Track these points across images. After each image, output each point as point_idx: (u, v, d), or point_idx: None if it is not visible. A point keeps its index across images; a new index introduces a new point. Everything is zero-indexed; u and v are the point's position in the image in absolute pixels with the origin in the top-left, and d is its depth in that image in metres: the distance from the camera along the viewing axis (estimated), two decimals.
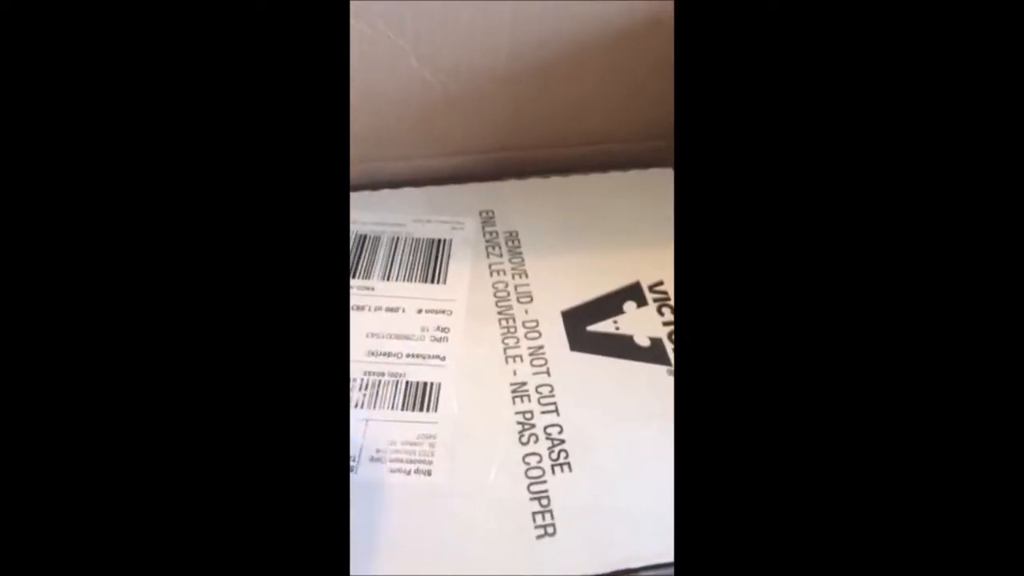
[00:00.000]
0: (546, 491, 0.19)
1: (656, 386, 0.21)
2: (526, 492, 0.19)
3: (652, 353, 0.22)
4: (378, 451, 0.19)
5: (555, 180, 0.28)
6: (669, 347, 0.22)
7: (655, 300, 0.24)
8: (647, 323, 0.23)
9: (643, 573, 0.18)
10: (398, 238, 0.25)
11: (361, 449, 0.19)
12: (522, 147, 0.28)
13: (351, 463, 0.19)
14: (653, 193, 0.28)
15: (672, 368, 0.22)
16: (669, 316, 0.23)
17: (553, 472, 0.19)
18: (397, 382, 0.21)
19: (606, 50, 0.25)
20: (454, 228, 0.26)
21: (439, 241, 0.25)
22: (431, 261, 0.25)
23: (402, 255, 0.25)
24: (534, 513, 0.18)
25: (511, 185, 0.28)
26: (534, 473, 0.19)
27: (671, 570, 0.18)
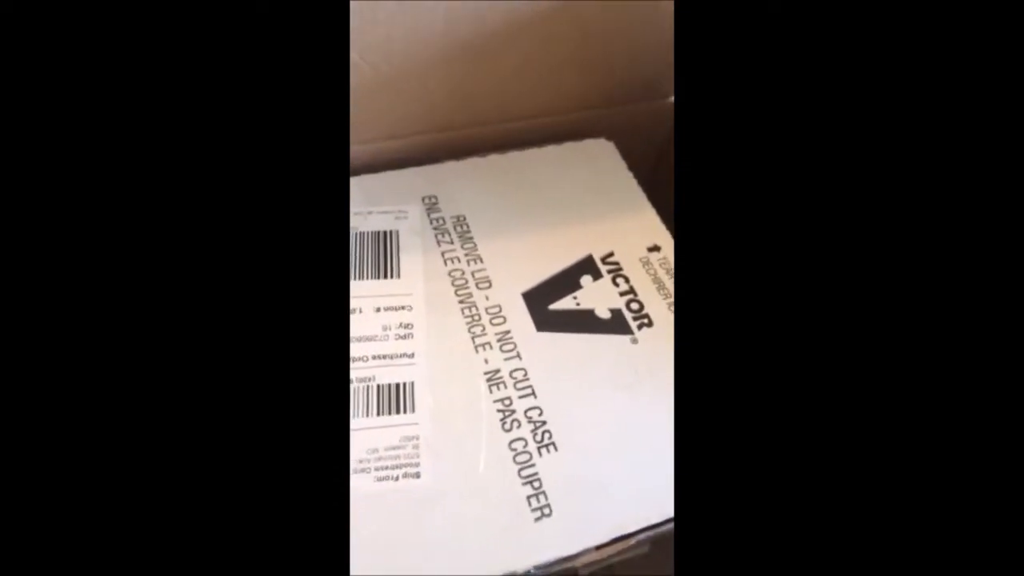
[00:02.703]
0: (536, 474, 0.19)
1: (623, 356, 0.22)
2: (517, 478, 0.19)
3: (614, 324, 0.23)
4: (361, 461, 0.19)
5: (493, 159, 0.28)
6: (628, 316, 0.23)
7: (608, 272, 0.24)
8: (605, 295, 0.24)
9: (639, 535, 0.18)
10: None
11: None
12: (456, 127, 0.27)
13: None
14: (591, 164, 0.28)
15: (635, 337, 0.23)
16: (624, 286, 0.24)
17: (540, 454, 0.19)
18: (368, 387, 0.20)
19: (536, 21, 0.25)
20: (398, 218, 0.25)
21: (385, 233, 0.24)
22: (380, 255, 0.24)
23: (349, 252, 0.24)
24: (528, 497, 0.19)
25: (450, 168, 0.27)
26: (522, 458, 0.19)
27: (665, 527, 0.19)
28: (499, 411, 0.20)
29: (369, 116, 0.24)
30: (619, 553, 0.19)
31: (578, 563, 0.18)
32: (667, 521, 0.19)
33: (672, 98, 0.31)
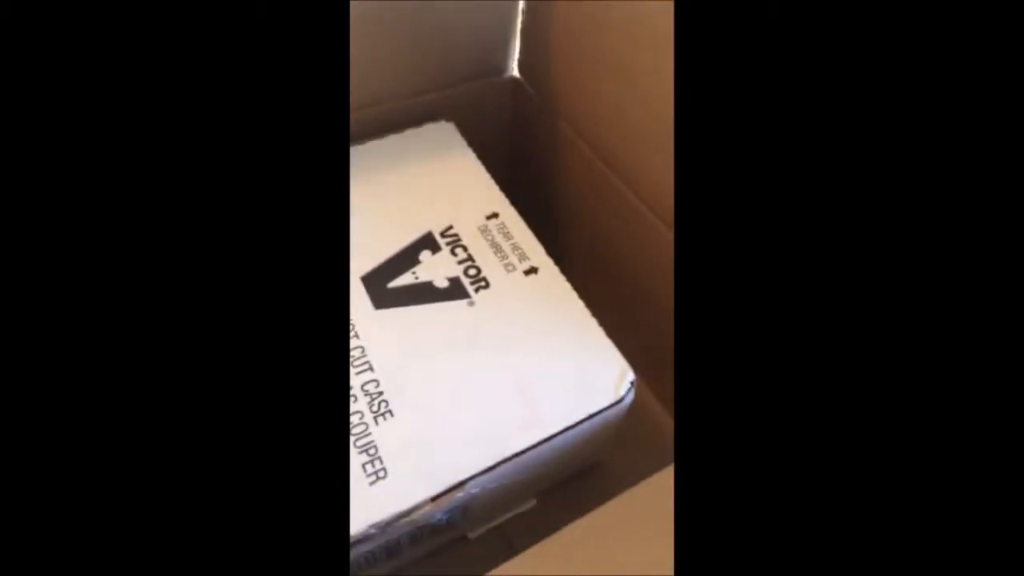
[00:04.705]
0: (372, 442, 0.20)
1: (459, 319, 0.23)
2: (352, 448, 0.20)
3: (452, 292, 0.24)
4: None
5: None
6: (466, 282, 0.24)
7: (447, 244, 0.25)
8: (443, 266, 0.24)
9: (472, 481, 0.19)
10: None
11: None
12: None
13: None
14: (431, 148, 0.29)
15: (471, 300, 0.23)
16: (462, 255, 0.25)
17: (376, 423, 0.20)
18: None
19: (368, 3, 0.25)
20: None
21: None
22: None
23: None
24: (363, 464, 0.19)
25: None
26: (358, 430, 0.20)
27: (497, 469, 0.20)
28: None
29: None
30: (465, 500, 0.20)
31: (416, 516, 0.19)
32: (498, 463, 0.19)
33: (508, 73, 0.33)
